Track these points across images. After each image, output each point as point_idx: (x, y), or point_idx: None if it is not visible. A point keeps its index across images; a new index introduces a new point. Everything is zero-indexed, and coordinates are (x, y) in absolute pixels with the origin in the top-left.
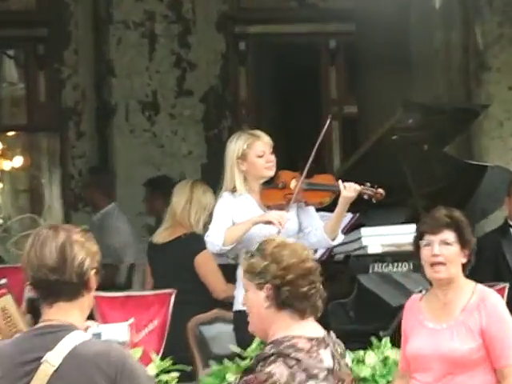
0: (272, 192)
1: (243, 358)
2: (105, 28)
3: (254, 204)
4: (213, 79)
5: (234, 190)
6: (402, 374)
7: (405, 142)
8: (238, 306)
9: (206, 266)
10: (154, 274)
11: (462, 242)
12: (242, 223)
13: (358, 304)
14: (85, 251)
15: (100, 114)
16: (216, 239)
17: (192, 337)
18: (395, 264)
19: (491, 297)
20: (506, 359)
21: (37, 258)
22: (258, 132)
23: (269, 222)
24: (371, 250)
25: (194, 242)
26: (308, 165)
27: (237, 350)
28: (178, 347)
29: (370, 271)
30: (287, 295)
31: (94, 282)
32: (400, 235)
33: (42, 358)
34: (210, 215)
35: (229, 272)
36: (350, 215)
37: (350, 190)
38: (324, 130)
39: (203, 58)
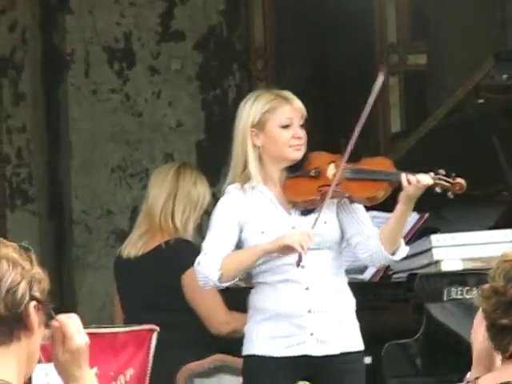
0: (301, 182)
1: None
2: None
3: (273, 201)
4: (214, 16)
5: (244, 181)
6: None
7: (495, 108)
8: (250, 347)
9: (201, 289)
10: (125, 301)
11: None
12: (248, 251)
13: (427, 346)
14: (19, 272)
15: (48, 66)
16: (210, 270)
17: None
18: (481, 288)
19: None
20: None
21: None
22: (286, 93)
23: (286, 248)
24: (447, 267)
25: (182, 254)
26: (352, 143)
27: None
28: None
29: (445, 298)
30: None
31: (36, 320)
32: (489, 245)
33: None
34: (206, 215)
35: (233, 296)
36: (414, 216)
37: (415, 182)
38: (376, 90)
39: None
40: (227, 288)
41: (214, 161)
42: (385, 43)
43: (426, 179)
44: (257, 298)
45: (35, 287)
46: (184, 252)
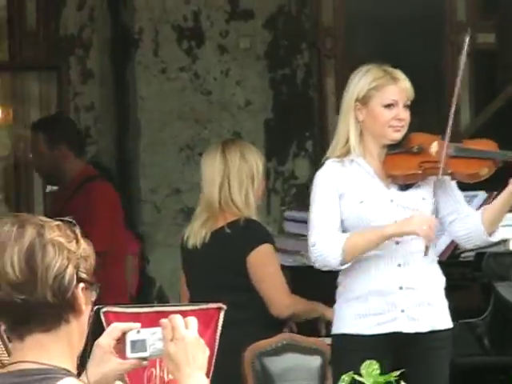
0: (402, 158)
1: None
2: None
3: (371, 174)
4: None
5: (344, 154)
6: None
7: None
8: (341, 326)
9: (264, 268)
10: (191, 283)
11: None
12: (372, 235)
13: (496, 326)
14: (64, 256)
15: (116, 45)
16: (332, 253)
17: (250, 371)
18: None
19: None
20: None
21: None
22: (396, 72)
23: (412, 234)
24: None
25: (246, 233)
26: (451, 118)
27: None
28: None
29: None
30: None
31: (83, 300)
32: None
33: None
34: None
35: (300, 278)
36: (482, 194)
37: None
38: (463, 62)
39: None
40: (290, 268)
41: (282, 140)
42: (454, 21)
43: None
44: (348, 276)
45: (82, 268)
46: (248, 232)
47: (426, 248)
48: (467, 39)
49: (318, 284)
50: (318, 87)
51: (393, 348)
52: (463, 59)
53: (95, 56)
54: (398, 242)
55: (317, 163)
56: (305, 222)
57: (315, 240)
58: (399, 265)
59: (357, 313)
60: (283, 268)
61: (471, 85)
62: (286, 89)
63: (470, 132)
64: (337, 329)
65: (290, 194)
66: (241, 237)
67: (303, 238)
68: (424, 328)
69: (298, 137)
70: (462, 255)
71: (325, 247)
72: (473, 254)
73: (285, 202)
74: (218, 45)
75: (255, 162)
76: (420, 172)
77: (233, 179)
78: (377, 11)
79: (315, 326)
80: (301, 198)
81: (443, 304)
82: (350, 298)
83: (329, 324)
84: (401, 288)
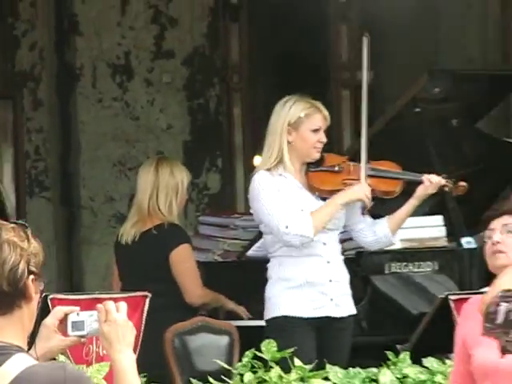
0: (327, 175)
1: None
2: None
3: (299, 186)
4: (198, 38)
5: (273, 168)
6: None
7: (429, 116)
8: (278, 310)
9: (183, 264)
10: (122, 275)
11: None
12: (326, 206)
13: (371, 311)
14: (17, 253)
15: (61, 79)
16: (304, 230)
17: (170, 349)
18: (416, 263)
19: None
20: None
21: None
22: (319, 103)
23: (357, 200)
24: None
25: (169, 235)
26: (364, 140)
27: (225, 365)
28: (154, 362)
29: (386, 272)
30: None
31: (32, 289)
32: (423, 228)
33: None
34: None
35: (212, 271)
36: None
37: (436, 182)
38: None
39: (187, 13)
40: (204, 263)
41: (197, 157)
42: (338, 61)
43: (440, 180)
44: (282, 269)
45: (32, 262)
46: (170, 234)
47: (365, 207)
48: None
49: (224, 276)
50: (227, 114)
51: (319, 327)
52: (364, 90)
53: (44, 88)
54: (325, 243)
55: (225, 176)
56: (216, 225)
57: (287, 224)
58: (328, 262)
59: (295, 299)
60: (198, 263)
61: (351, 114)
62: (201, 115)
63: (351, 151)
64: (275, 313)
65: (204, 203)
66: (165, 237)
67: (214, 238)
68: (344, 313)
69: (210, 155)
70: (345, 253)
71: (296, 227)
72: (353, 252)
73: (199, 209)
74: (145, 79)
75: (181, 178)
76: (344, 188)
77: (161, 191)
78: (274, 50)
79: (217, 313)
80: (212, 206)
81: (351, 294)
82: (286, 287)
83: (227, 312)
84: (330, 281)
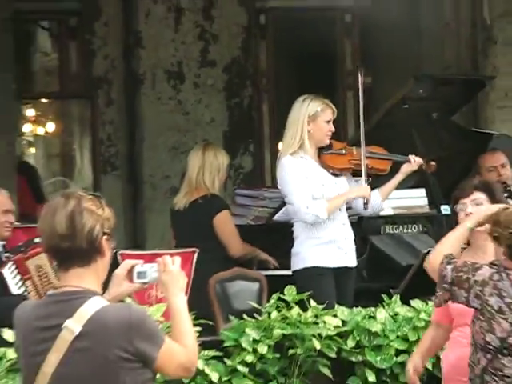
0: (336, 157)
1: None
2: (134, 1)
3: (317, 166)
4: (235, 51)
5: (295, 152)
6: (435, 325)
7: (415, 111)
8: (309, 261)
9: (225, 226)
10: (177, 236)
11: (494, 202)
12: (340, 197)
13: (370, 263)
14: (94, 218)
15: (128, 82)
16: (320, 212)
17: (213, 293)
18: (405, 226)
19: None
20: None
21: (49, 226)
22: (328, 101)
23: (361, 197)
24: (383, 213)
25: (212, 203)
26: (363, 129)
27: (256, 305)
28: (201, 303)
29: (382, 233)
30: None
31: (106, 247)
32: (410, 199)
33: (61, 324)
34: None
35: (246, 232)
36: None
37: (418, 161)
38: (361, 85)
39: (226, 31)
40: (239, 226)
41: (233, 144)
42: (343, 68)
43: (420, 160)
44: (311, 229)
45: (105, 226)
46: (214, 202)
47: (367, 203)
48: (360, 80)
49: (256, 236)
50: (258, 110)
51: (337, 275)
52: (361, 94)
53: (115, 90)
54: (340, 210)
55: (256, 159)
56: (249, 196)
57: (307, 204)
58: (343, 224)
59: (322, 253)
60: (236, 225)
61: (354, 111)
62: (237, 111)
63: (354, 140)
64: (306, 263)
65: (239, 179)
66: (209, 205)
67: (247, 207)
68: (354, 264)
69: (244, 142)
70: (349, 217)
71: (316, 210)
72: (355, 218)
73: (235, 183)
74: (193, 82)
75: (222, 160)
76: (351, 166)
77: (206, 169)
78: (294, 59)
79: (251, 265)
80: (245, 182)
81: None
82: (314, 243)
83: (261, 261)
84: (345, 238)
